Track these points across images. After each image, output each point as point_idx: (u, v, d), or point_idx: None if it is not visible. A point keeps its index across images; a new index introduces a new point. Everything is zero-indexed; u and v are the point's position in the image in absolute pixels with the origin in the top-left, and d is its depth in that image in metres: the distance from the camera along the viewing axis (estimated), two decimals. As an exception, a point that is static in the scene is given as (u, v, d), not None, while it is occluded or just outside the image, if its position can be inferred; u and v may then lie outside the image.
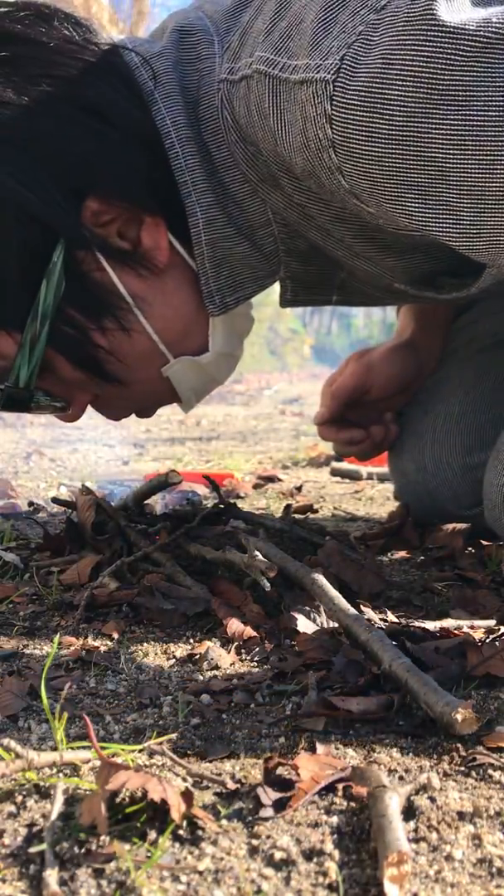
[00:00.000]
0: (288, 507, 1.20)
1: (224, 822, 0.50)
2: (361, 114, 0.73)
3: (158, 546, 0.98)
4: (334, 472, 1.97)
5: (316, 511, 1.36)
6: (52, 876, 0.45)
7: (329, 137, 0.76)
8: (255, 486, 1.83)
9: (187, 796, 0.50)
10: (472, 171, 0.72)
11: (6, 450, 2.50)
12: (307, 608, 0.83)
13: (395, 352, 1.29)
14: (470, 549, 1.14)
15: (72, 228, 0.87)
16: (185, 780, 0.55)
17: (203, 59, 0.90)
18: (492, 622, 0.83)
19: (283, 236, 0.95)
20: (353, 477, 1.92)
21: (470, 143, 0.71)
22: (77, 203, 0.87)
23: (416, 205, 0.76)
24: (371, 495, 1.72)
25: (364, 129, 0.74)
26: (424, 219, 0.76)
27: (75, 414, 1.00)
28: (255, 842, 0.49)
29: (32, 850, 0.48)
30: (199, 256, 0.93)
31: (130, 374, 0.96)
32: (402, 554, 1.17)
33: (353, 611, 0.76)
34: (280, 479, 1.94)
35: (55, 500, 1.17)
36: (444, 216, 0.75)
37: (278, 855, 0.47)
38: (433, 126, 0.71)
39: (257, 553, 0.86)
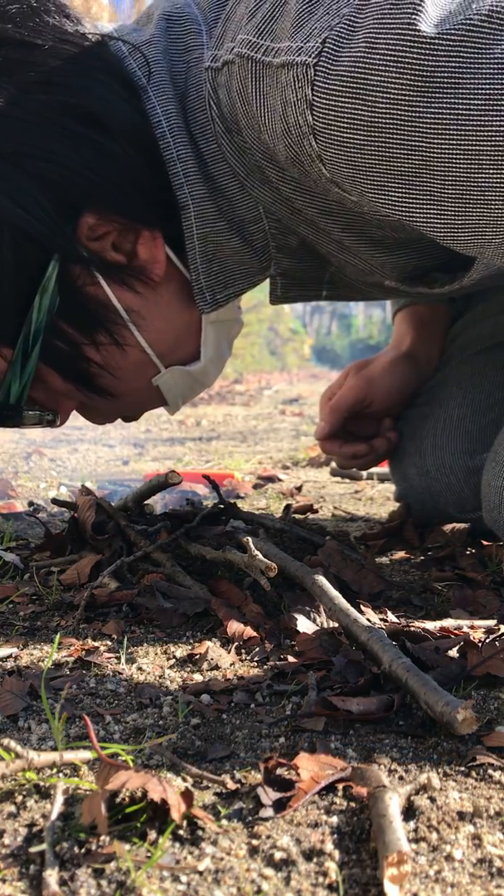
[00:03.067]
0: (288, 507, 1.20)
1: (224, 822, 0.50)
2: (343, 100, 0.70)
3: (158, 546, 0.98)
4: (334, 472, 1.97)
5: (316, 511, 1.36)
6: (52, 876, 0.45)
7: (309, 124, 0.73)
8: (255, 486, 1.83)
9: (187, 796, 0.50)
10: (457, 159, 0.69)
11: (6, 450, 2.50)
12: (307, 608, 0.83)
13: (395, 364, 1.29)
14: (470, 549, 1.14)
15: (67, 246, 0.84)
16: (185, 780, 0.55)
17: (191, 50, 0.87)
18: (492, 622, 0.83)
19: (274, 232, 0.93)
20: (353, 477, 1.92)
21: (454, 130, 0.68)
22: (72, 219, 0.83)
23: (399, 194, 0.73)
24: (371, 495, 1.72)
25: (346, 115, 0.71)
26: (407, 209, 0.74)
27: (61, 421, 0.97)
28: (255, 842, 0.49)
29: (32, 850, 0.48)
30: (190, 252, 0.90)
31: (121, 386, 0.94)
32: (402, 554, 1.17)
33: (353, 611, 0.76)
34: (280, 479, 1.95)
35: (55, 501, 1.17)
36: (428, 206, 0.73)
37: (278, 855, 0.47)
38: (417, 113, 0.68)
39: (257, 553, 0.86)
